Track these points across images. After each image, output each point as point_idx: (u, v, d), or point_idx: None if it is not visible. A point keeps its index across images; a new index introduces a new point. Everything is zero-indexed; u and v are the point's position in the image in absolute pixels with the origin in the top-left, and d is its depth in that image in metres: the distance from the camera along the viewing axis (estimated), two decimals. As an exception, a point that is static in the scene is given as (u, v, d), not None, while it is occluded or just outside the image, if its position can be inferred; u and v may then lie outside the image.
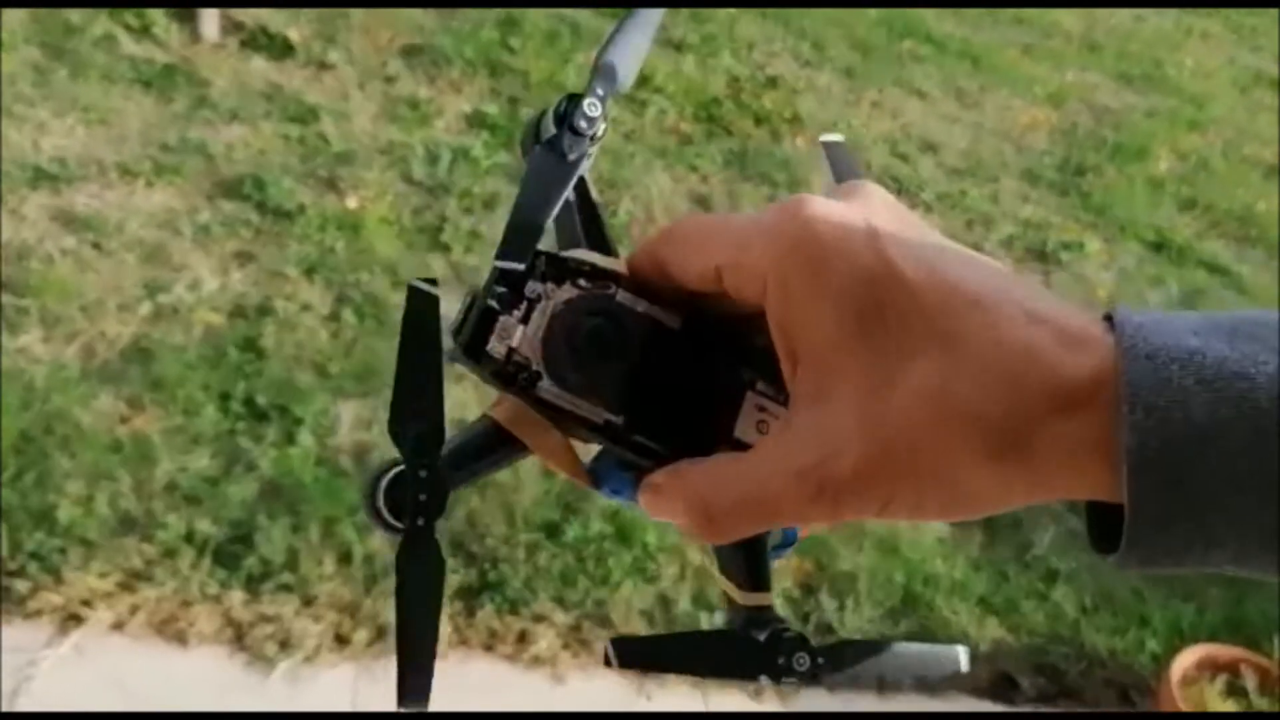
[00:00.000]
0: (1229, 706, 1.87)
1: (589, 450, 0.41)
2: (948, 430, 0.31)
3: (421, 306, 0.38)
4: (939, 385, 0.31)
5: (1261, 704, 1.88)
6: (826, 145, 0.47)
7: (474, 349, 0.39)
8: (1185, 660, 1.96)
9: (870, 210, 0.35)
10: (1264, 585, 2.31)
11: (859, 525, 2.29)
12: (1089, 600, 2.25)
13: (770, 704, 1.93)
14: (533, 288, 0.39)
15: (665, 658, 0.43)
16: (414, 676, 0.37)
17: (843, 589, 2.16)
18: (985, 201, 3.77)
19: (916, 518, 0.33)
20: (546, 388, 0.39)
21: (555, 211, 0.40)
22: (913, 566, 2.21)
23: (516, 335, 0.38)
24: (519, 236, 0.38)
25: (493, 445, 0.40)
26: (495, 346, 0.38)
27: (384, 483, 0.38)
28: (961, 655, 0.46)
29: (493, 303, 0.39)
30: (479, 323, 0.39)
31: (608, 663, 0.40)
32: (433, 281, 0.38)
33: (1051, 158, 4.19)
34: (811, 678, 0.41)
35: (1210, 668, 1.96)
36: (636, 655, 0.41)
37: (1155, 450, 0.29)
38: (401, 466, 0.38)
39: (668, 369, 0.39)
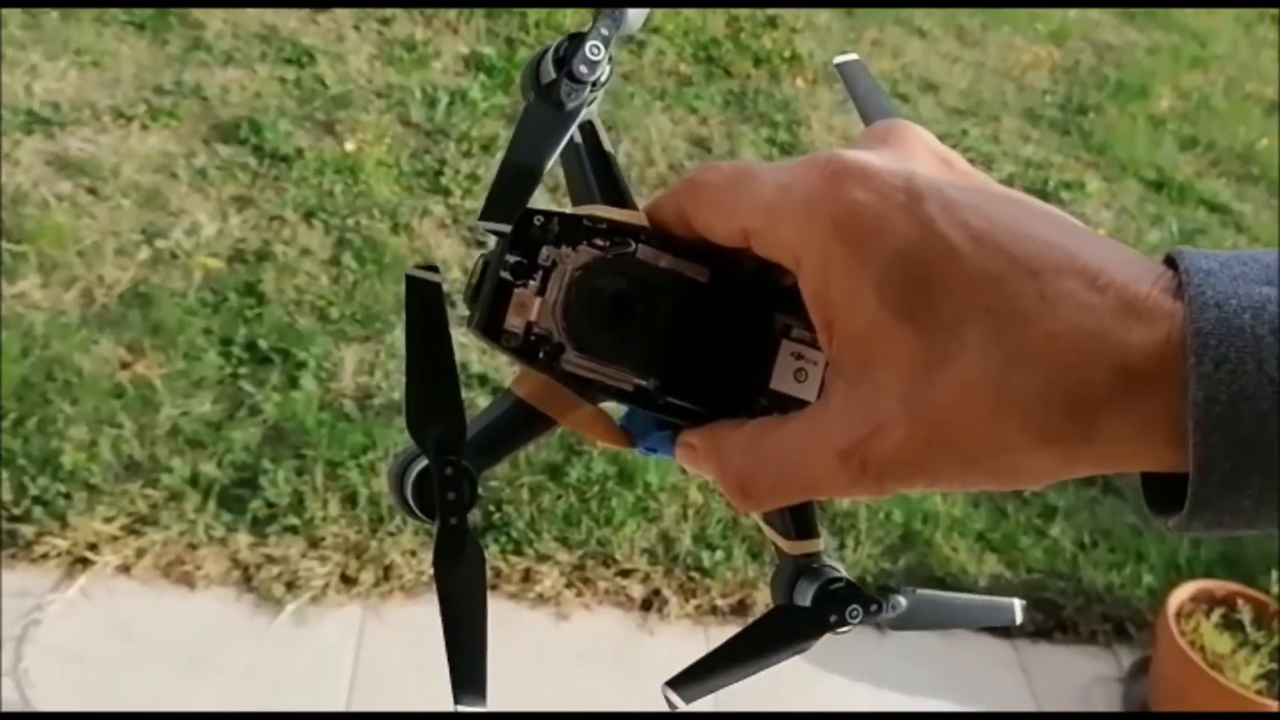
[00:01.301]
0: (1225, 640, 1.90)
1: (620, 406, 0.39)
2: (1002, 416, 0.29)
3: (424, 297, 0.36)
4: (992, 370, 0.29)
5: (1257, 637, 1.91)
6: (842, 68, 0.44)
7: (492, 327, 0.36)
8: (1181, 594, 1.98)
9: (911, 162, 0.32)
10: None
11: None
12: (1087, 536, 2.27)
13: (774, 704, 1.96)
14: (547, 253, 0.36)
15: (723, 671, 0.41)
16: (467, 675, 0.36)
17: (842, 527, 2.18)
18: (986, 141, 3.75)
19: (964, 490, 0.33)
20: (571, 359, 0.36)
21: (549, 165, 0.38)
22: (911, 504, 2.23)
23: (534, 307, 0.36)
24: (507, 192, 0.36)
25: (520, 424, 0.38)
26: (513, 322, 0.36)
27: (411, 476, 0.36)
28: (1017, 608, 0.45)
29: (505, 275, 0.36)
30: (493, 299, 0.36)
31: (673, 708, 0.39)
32: (433, 268, 0.36)
33: (1053, 96, 4.16)
34: (867, 624, 0.40)
35: (1206, 601, 1.98)
36: (696, 686, 0.40)
37: (1225, 405, 0.27)
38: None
39: (697, 325, 0.37)
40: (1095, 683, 2.04)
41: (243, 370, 2.17)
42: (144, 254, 2.38)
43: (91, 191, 2.52)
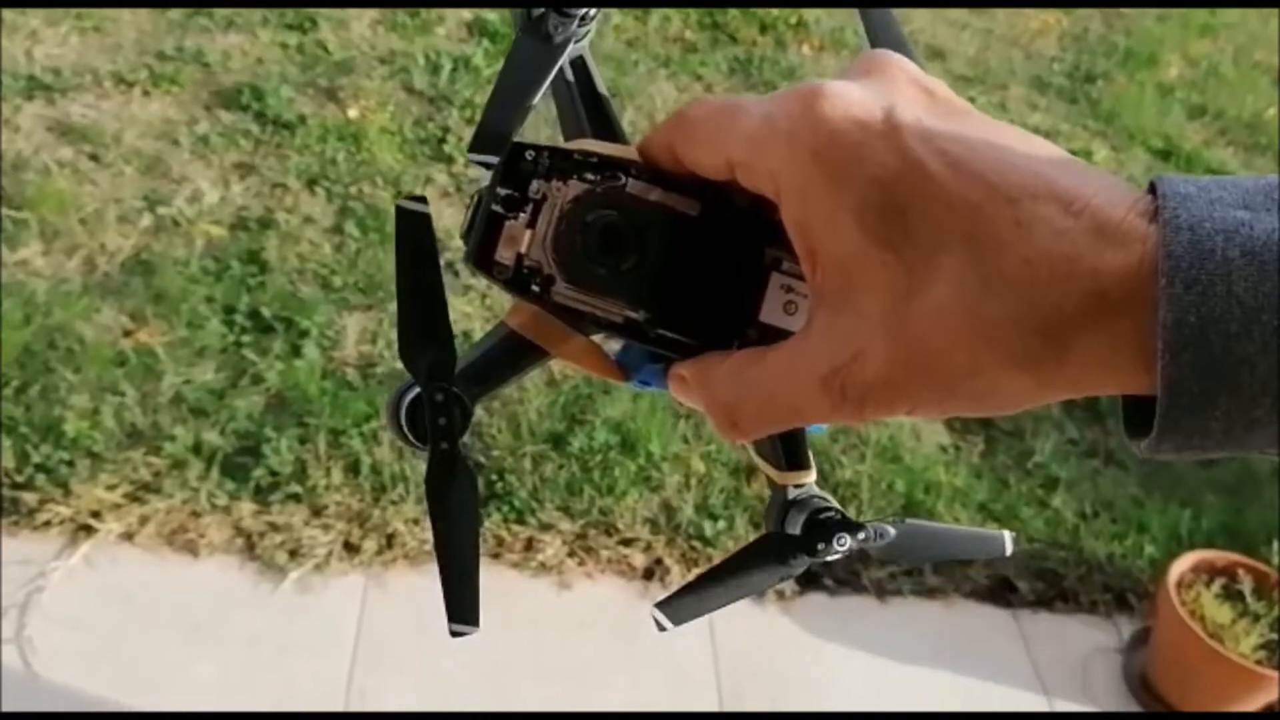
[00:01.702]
0: (1225, 610, 1.90)
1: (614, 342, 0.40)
2: (977, 340, 0.30)
3: (413, 226, 0.37)
4: (968, 294, 0.30)
5: (1258, 607, 1.91)
6: (866, 14, 0.42)
7: (483, 259, 0.37)
8: (1182, 565, 1.99)
9: (893, 93, 0.33)
10: (1262, 493, 2.34)
11: (860, 434, 2.31)
12: (1088, 507, 2.27)
13: (771, 669, 1.97)
14: (537, 186, 0.36)
15: (711, 597, 0.42)
16: (461, 598, 0.37)
17: (844, 497, 2.18)
18: (993, 109, 3.72)
19: (943, 416, 0.33)
20: (562, 291, 0.37)
21: (537, 98, 0.38)
22: (914, 474, 2.23)
23: (525, 239, 0.36)
24: (496, 125, 0.36)
25: (513, 355, 0.39)
26: (504, 254, 0.37)
27: (405, 403, 0.37)
28: (1007, 540, 0.46)
29: (496, 208, 0.36)
30: (485, 231, 0.37)
31: (661, 628, 0.40)
32: (421, 199, 0.37)
33: (1061, 64, 4.12)
34: (855, 555, 0.41)
35: (1207, 571, 1.98)
36: (684, 610, 0.41)
37: (1194, 327, 0.28)
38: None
39: (687, 258, 0.37)
40: (1095, 652, 2.05)
41: (245, 339, 2.17)
42: (146, 221, 2.37)
43: (93, 158, 2.51)
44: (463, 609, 0.36)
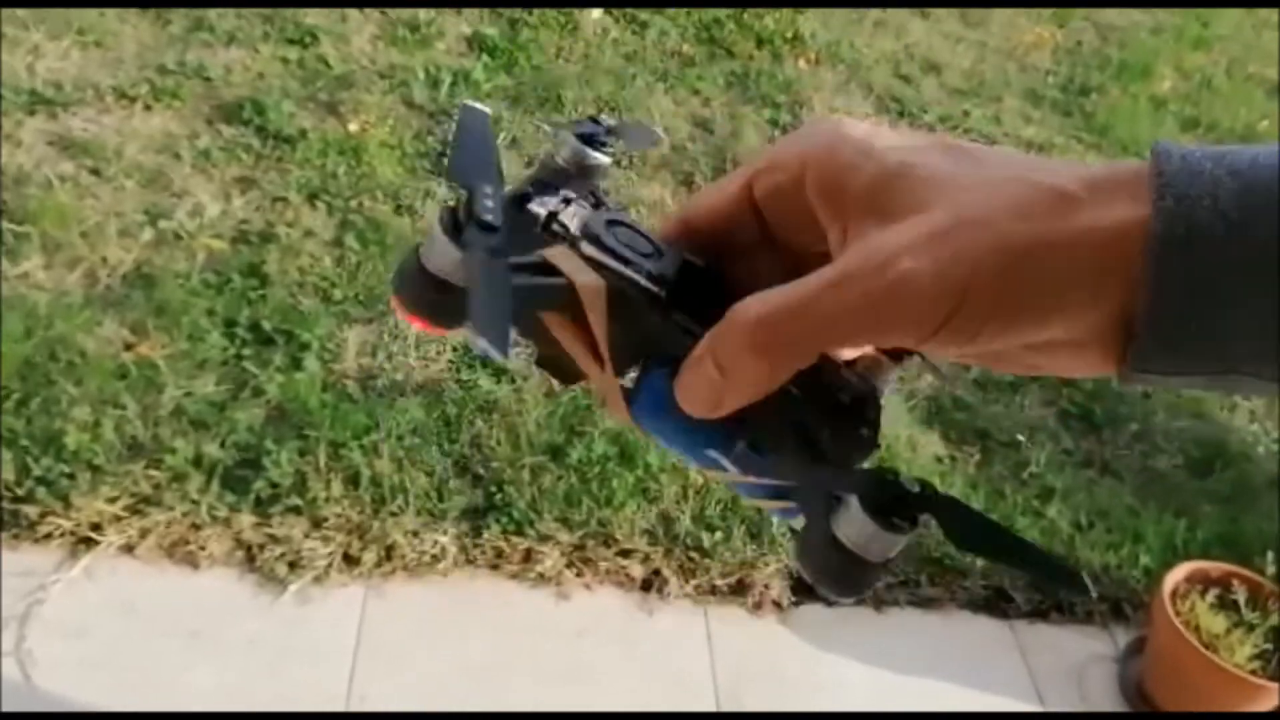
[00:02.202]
0: (1220, 620, 1.91)
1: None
2: (990, 252, 0.31)
3: (473, 120, 0.39)
4: (983, 215, 0.31)
5: (1252, 617, 1.92)
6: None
7: (517, 203, 0.38)
8: (1177, 575, 2.00)
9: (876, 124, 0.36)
10: (1258, 503, 2.35)
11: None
12: (1084, 518, 2.28)
13: (771, 675, 1.98)
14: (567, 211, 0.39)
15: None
16: (490, 323, 0.32)
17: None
18: (988, 122, 3.74)
19: (960, 344, 0.33)
20: (587, 249, 0.37)
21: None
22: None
23: (553, 202, 0.38)
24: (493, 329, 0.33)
25: (537, 274, 0.36)
26: (536, 208, 0.38)
27: (445, 210, 0.36)
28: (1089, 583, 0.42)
29: (528, 188, 0.39)
30: (517, 197, 0.38)
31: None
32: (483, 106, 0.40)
33: (1055, 77, 4.15)
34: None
35: (1202, 582, 1.99)
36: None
37: (1181, 237, 0.29)
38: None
39: (701, 290, 0.37)
40: (1091, 662, 2.06)
41: (246, 351, 2.18)
42: (147, 235, 2.39)
43: (94, 172, 2.52)
44: (493, 331, 0.32)
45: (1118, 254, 0.30)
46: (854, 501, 0.35)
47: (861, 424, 0.37)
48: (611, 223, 0.38)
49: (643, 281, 0.37)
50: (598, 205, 0.39)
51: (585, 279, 0.36)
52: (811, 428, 0.37)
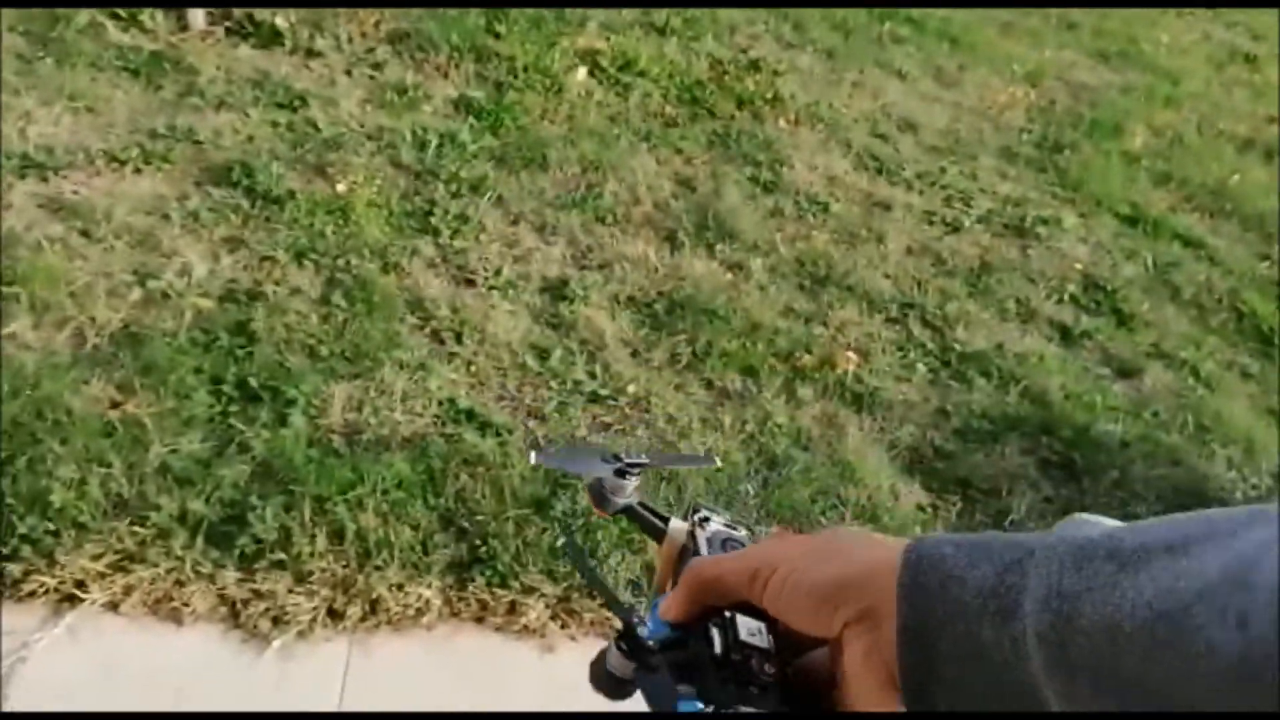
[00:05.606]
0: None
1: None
2: (803, 589, 0.52)
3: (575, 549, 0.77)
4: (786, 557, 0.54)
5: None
6: None
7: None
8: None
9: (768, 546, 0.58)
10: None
11: (840, 495, 2.34)
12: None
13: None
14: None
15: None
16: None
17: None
18: (964, 179, 3.82)
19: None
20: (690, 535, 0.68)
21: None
22: (891, 532, 2.25)
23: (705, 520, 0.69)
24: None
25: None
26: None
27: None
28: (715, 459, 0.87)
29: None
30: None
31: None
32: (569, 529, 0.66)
33: (1029, 135, 4.24)
34: None
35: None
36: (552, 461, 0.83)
37: (916, 624, 0.47)
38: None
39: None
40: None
41: (233, 408, 2.20)
42: (136, 294, 2.41)
43: (84, 234, 2.55)
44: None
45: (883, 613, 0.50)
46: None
47: (729, 676, 0.54)
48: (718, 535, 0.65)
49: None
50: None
51: (674, 532, 0.67)
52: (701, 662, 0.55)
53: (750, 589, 0.54)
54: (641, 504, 0.72)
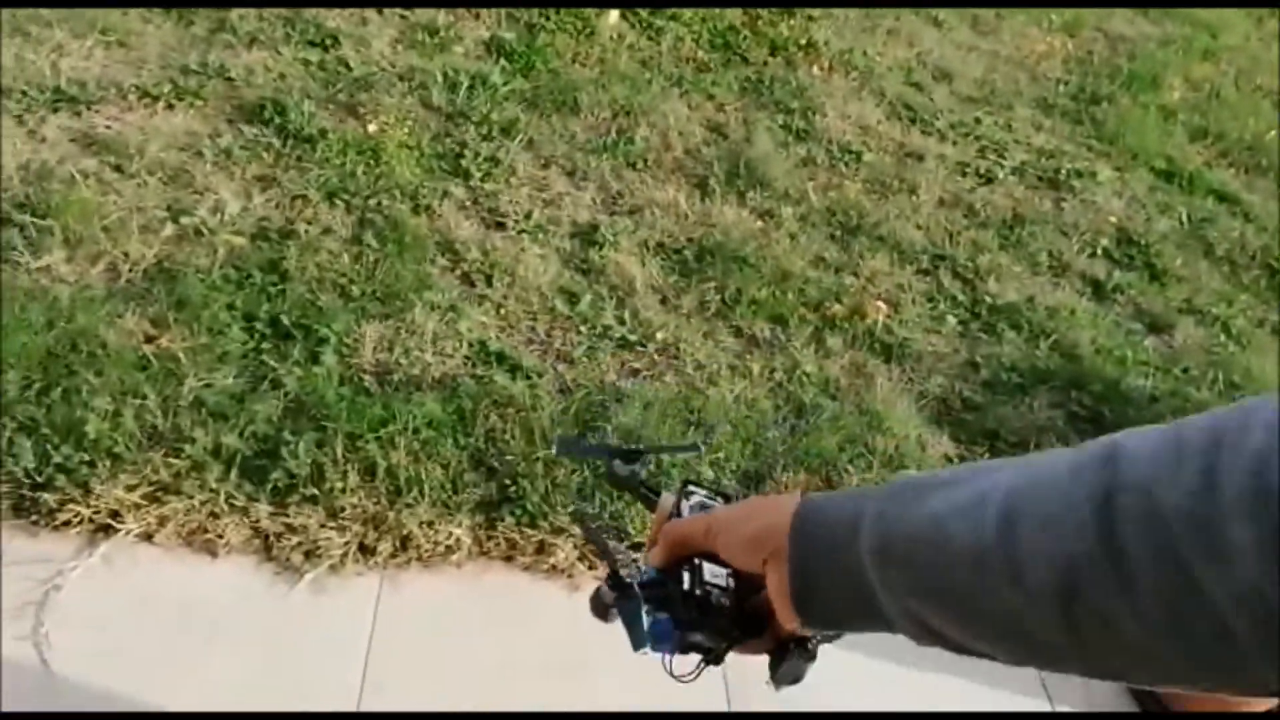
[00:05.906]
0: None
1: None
2: (743, 538, 0.71)
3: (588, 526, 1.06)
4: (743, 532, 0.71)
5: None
6: None
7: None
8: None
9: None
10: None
11: (868, 444, 2.35)
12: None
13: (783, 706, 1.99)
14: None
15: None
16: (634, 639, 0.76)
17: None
18: (999, 130, 3.77)
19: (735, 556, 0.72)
20: (681, 501, 0.82)
21: None
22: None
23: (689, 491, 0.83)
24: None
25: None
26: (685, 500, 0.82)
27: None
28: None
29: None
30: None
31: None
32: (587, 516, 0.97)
33: (1066, 86, 4.17)
34: None
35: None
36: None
37: (798, 561, 0.65)
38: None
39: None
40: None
41: (265, 345, 2.21)
42: (169, 230, 2.42)
43: (117, 169, 2.56)
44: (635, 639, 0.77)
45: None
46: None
47: (693, 605, 0.71)
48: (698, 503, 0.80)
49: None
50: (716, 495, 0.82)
51: (664, 503, 0.82)
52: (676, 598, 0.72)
53: (705, 541, 0.72)
54: (642, 482, 0.87)
